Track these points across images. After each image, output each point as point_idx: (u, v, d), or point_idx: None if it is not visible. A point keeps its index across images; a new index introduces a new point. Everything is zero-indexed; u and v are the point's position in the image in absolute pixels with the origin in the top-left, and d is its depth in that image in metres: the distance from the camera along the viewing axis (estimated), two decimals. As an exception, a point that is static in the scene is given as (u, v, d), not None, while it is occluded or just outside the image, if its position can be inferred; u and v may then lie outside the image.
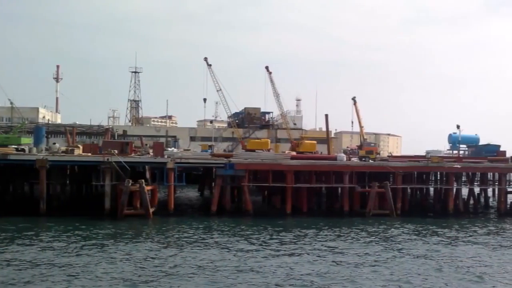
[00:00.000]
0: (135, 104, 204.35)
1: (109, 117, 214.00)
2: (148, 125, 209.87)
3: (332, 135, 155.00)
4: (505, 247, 54.80)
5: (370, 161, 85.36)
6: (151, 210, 70.15)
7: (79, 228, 60.17)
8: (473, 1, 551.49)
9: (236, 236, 57.80)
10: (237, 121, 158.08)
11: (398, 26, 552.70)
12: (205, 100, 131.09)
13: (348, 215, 75.66)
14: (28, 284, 37.26)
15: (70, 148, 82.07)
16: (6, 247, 49.56)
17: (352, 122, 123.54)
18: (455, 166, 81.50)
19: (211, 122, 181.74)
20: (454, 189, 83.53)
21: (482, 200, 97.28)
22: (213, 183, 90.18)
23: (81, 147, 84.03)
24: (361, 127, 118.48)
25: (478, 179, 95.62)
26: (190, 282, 38.61)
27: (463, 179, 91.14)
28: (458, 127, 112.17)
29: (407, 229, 64.76)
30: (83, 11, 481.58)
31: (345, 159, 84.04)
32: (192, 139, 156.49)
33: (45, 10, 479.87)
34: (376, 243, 55.23)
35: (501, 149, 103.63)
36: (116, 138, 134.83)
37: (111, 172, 71.13)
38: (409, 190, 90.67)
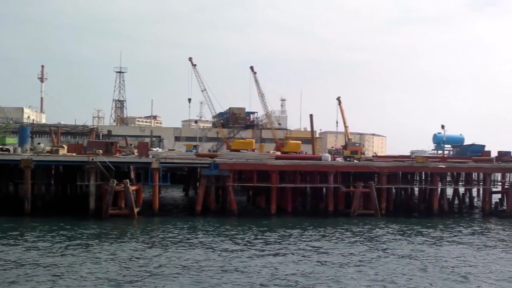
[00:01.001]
0: (119, 104, 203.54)
1: (93, 117, 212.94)
2: (132, 125, 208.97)
3: (317, 135, 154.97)
4: (489, 247, 55.12)
5: (355, 161, 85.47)
6: (136, 210, 69.99)
7: (64, 228, 60.01)
8: (458, 1, 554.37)
9: (220, 236, 57.79)
10: (221, 121, 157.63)
11: (383, 26, 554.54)
12: (189, 100, 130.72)
13: (333, 215, 75.81)
14: (13, 284, 37.11)
15: (55, 148, 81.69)
16: (-10, 247, 49.38)
17: (337, 122, 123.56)
18: (440, 166, 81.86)
19: (195, 122, 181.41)
20: (439, 189, 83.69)
21: (467, 200, 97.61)
22: (197, 183, 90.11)
23: (65, 147, 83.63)
24: (346, 127, 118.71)
25: (463, 179, 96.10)
26: (175, 282, 38.61)
27: (447, 179, 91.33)
28: (442, 127, 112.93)
29: (391, 229, 64.99)
30: (68, 11, 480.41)
31: (330, 159, 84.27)
32: (177, 139, 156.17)
33: (30, 10, 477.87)
34: (360, 243, 55.41)
35: (486, 149, 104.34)
36: (101, 138, 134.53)
37: (96, 172, 70.92)
38: (393, 190, 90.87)
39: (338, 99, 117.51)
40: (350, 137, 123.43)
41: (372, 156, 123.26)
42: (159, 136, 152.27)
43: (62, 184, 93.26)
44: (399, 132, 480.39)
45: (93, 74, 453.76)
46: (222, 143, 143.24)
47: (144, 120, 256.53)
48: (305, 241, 56.00)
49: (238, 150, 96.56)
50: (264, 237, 58.06)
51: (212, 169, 75.17)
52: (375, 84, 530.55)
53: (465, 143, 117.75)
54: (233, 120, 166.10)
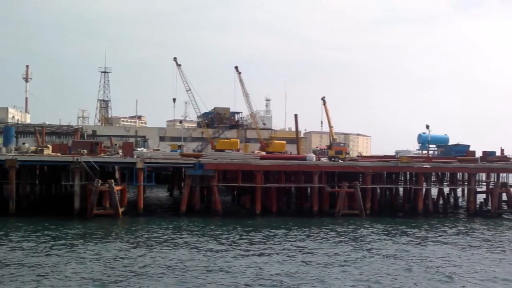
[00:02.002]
0: (104, 104, 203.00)
1: (78, 117, 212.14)
2: (117, 125, 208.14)
3: (302, 135, 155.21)
4: (474, 247, 55.27)
5: (340, 161, 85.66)
6: (121, 210, 69.88)
7: (49, 228, 59.84)
8: (442, 1, 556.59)
9: (205, 236, 57.72)
10: (206, 121, 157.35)
11: (368, 26, 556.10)
12: (174, 100, 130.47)
13: (317, 215, 75.81)
14: (-3, 285, 36.97)
15: (39, 148, 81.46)
16: (-27, 247, 49.12)
17: (322, 122, 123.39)
18: (425, 166, 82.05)
19: (180, 122, 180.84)
20: (424, 189, 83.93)
21: (452, 200, 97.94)
22: (182, 183, 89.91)
23: (50, 147, 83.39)
24: (330, 127, 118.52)
25: (448, 179, 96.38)
26: (160, 282, 38.55)
27: (432, 179, 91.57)
28: (427, 127, 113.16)
29: (376, 229, 65.08)
30: (52, 11, 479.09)
31: (314, 159, 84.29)
32: (162, 139, 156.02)
33: (15, 10, 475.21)
34: (345, 243, 55.48)
35: (470, 149, 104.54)
36: (85, 138, 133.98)
37: (80, 172, 70.75)
38: (378, 190, 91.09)
39: (323, 99, 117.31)
40: (334, 137, 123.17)
41: (357, 156, 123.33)
42: (143, 136, 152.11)
43: (46, 184, 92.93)
44: (384, 132, 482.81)
45: (77, 74, 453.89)
46: (207, 143, 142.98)
47: (129, 120, 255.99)
48: (289, 241, 56.02)
49: (223, 150, 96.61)
50: (248, 237, 58.07)
51: (197, 169, 75.07)
52: (360, 84, 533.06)
53: (449, 143, 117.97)
54: (218, 120, 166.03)
